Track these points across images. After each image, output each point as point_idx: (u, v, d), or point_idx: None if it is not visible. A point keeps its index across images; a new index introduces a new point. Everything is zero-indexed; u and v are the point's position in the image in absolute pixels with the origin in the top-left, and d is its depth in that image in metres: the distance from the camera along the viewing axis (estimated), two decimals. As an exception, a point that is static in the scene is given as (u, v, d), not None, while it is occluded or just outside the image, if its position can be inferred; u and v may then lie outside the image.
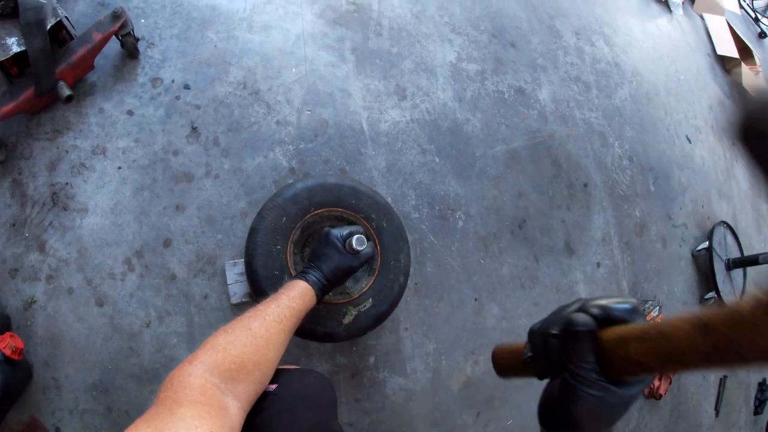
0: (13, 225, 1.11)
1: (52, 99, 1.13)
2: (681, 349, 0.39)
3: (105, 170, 1.17)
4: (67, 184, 1.15)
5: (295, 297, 0.83)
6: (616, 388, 0.44)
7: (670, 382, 1.80)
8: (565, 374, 0.45)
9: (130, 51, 1.21)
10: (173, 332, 1.14)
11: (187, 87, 1.24)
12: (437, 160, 1.44)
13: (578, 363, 0.44)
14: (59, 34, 1.09)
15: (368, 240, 0.96)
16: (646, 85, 2.05)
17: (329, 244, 0.94)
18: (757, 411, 2.34)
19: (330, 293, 1.08)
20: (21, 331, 1.08)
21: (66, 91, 1.08)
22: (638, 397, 0.45)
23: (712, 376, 2.09)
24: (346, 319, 1.09)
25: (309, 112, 1.32)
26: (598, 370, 0.44)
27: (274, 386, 0.74)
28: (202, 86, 1.25)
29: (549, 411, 0.48)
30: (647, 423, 1.81)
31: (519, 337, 1.49)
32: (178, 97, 1.23)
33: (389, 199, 1.30)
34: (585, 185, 1.71)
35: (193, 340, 1.15)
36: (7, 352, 0.95)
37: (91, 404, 1.10)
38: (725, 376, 2.14)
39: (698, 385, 2.02)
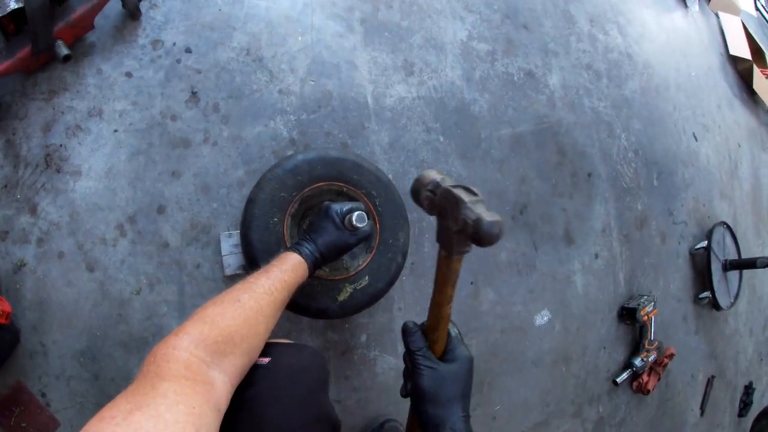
0: (5, 186, 1.09)
1: (49, 58, 1.09)
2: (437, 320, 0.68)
3: (100, 133, 1.14)
4: (61, 145, 1.12)
5: (286, 270, 0.82)
6: (442, 363, 0.68)
7: (659, 379, 1.81)
8: (411, 362, 0.69)
9: (132, 11, 1.17)
10: (164, 301, 1.12)
11: (188, 51, 1.21)
12: (441, 139, 1.42)
13: (414, 350, 0.68)
14: (59, -8, 1.05)
15: (368, 217, 0.94)
16: (656, 78, 2.02)
17: (328, 218, 0.92)
18: (742, 413, 2.36)
19: (326, 269, 1.06)
20: (9, 294, 1.06)
21: (64, 51, 1.05)
22: (464, 371, 0.68)
23: (701, 376, 2.10)
24: (341, 296, 1.08)
25: (313, 83, 1.28)
26: (428, 351, 0.69)
27: (266, 360, 0.73)
28: (204, 50, 1.22)
29: (408, 395, 0.70)
30: (633, 417, 1.82)
31: (511, 323, 1.49)
32: (178, 61, 1.20)
33: (390, 176, 1.27)
34: (589, 175, 1.69)
35: (184, 310, 1.13)
36: (-6, 315, 0.93)
37: (78, 370, 1.08)
38: (713, 377, 2.16)
39: (686, 384, 2.03)
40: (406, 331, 0.71)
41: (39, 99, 1.12)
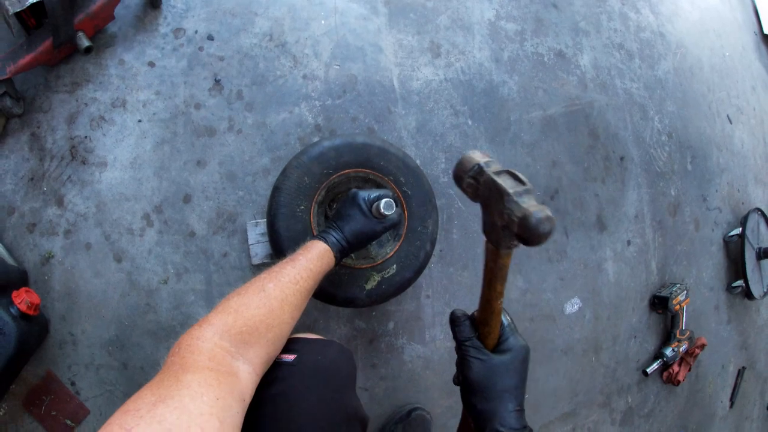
0: (32, 179, 1.09)
1: (71, 50, 1.09)
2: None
3: (125, 123, 1.13)
4: (86, 137, 1.12)
5: (312, 258, 0.80)
6: (494, 355, 0.64)
7: (690, 369, 1.76)
8: (460, 353, 0.66)
9: (152, 0, 1.16)
10: (191, 289, 1.12)
11: (210, 38, 1.19)
12: (470, 122, 1.38)
13: (462, 339, 0.66)
14: (78, -17, 1.05)
15: (396, 204, 0.91)
16: (690, 58, 1.94)
17: (355, 205, 0.90)
18: (772, 406, 2.31)
19: (353, 257, 1.04)
20: (38, 286, 1.07)
21: (85, 42, 1.04)
22: (517, 362, 0.64)
23: (731, 367, 2.04)
24: (369, 285, 1.06)
25: (337, 67, 1.26)
26: (478, 342, 0.65)
27: (292, 357, 0.71)
28: (227, 37, 1.20)
29: (459, 385, 0.67)
30: (662, 408, 1.78)
31: (540, 311, 1.46)
32: (201, 49, 1.18)
33: (418, 161, 1.25)
34: (622, 159, 1.63)
35: (211, 298, 1.13)
36: (23, 307, 0.94)
37: (106, 359, 1.09)
38: (744, 368, 2.10)
39: (716, 375, 1.97)
40: (453, 320, 0.68)
41: (62, 91, 1.12)
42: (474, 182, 0.59)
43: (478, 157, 0.59)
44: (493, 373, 0.63)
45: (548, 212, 0.49)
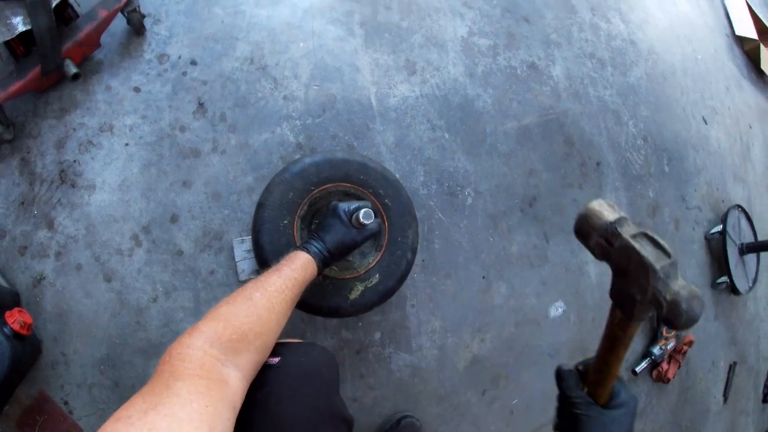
0: (22, 203, 1.12)
1: (59, 77, 1.13)
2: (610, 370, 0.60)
3: (112, 147, 1.17)
4: (74, 161, 1.15)
5: (296, 268, 0.82)
6: (606, 410, 0.62)
7: (679, 366, 1.78)
8: (569, 409, 0.63)
9: (137, 28, 1.20)
10: (180, 307, 1.14)
11: (193, 63, 1.23)
12: (447, 136, 1.42)
13: (573, 396, 0.64)
14: (65, 12, 1.09)
15: (375, 215, 0.95)
16: (662, 64, 2.00)
17: (335, 216, 0.93)
18: (766, 399, 2.31)
19: (335, 268, 1.07)
20: (30, 307, 1.09)
21: (73, 69, 1.08)
22: (627, 417, 0.62)
23: (722, 362, 2.06)
24: (353, 295, 1.08)
25: (317, 87, 1.30)
26: (588, 398, 0.62)
27: (276, 359, 0.73)
28: (209, 62, 1.24)
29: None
30: (654, 407, 1.79)
31: (525, 316, 1.47)
32: (184, 73, 1.22)
33: (397, 175, 1.28)
34: (598, 164, 1.67)
35: (200, 315, 1.14)
36: (16, 327, 0.96)
37: (98, 378, 1.11)
38: (735, 363, 2.12)
39: (707, 371, 1.99)
40: (559, 376, 0.67)
41: (51, 117, 1.15)
42: (605, 243, 0.53)
43: (607, 212, 0.54)
44: (606, 429, 0.62)
45: (698, 292, 0.47)
